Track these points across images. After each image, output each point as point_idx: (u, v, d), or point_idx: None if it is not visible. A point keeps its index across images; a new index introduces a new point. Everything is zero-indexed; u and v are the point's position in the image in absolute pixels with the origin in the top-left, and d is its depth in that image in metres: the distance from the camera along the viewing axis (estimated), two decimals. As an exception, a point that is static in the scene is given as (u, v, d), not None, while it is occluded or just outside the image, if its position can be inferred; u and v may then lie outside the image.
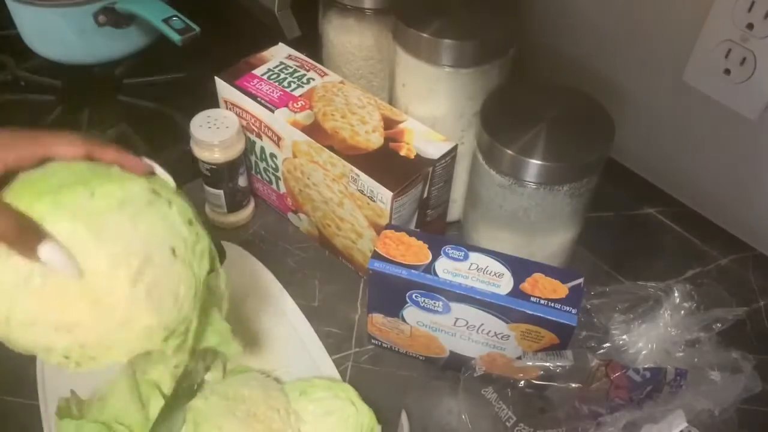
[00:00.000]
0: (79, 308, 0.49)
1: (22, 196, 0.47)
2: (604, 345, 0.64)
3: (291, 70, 0.79)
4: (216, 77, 0.78)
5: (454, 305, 0.63)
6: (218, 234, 0.81)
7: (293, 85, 0.77)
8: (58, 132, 0.53)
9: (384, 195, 0.67)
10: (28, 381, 0.66)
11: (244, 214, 0.83)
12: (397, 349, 0.71)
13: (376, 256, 0.64)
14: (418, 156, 0.70)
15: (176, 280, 0.52)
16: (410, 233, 0.65)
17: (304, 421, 0.63)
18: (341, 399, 0.65)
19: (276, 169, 0.78)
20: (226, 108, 0.79)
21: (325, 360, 0.70)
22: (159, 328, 0.52)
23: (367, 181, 0.68)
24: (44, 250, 0.46)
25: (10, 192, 0.48)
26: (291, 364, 0.69)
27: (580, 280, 0.62)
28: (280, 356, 0.70)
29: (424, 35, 0.69)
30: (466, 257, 0.63)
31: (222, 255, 0.73)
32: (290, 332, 0.72)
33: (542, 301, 0.60)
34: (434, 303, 0.63)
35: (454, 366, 0.67)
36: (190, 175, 0.83)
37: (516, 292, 0.61)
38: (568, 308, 0.60)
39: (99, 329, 0.50)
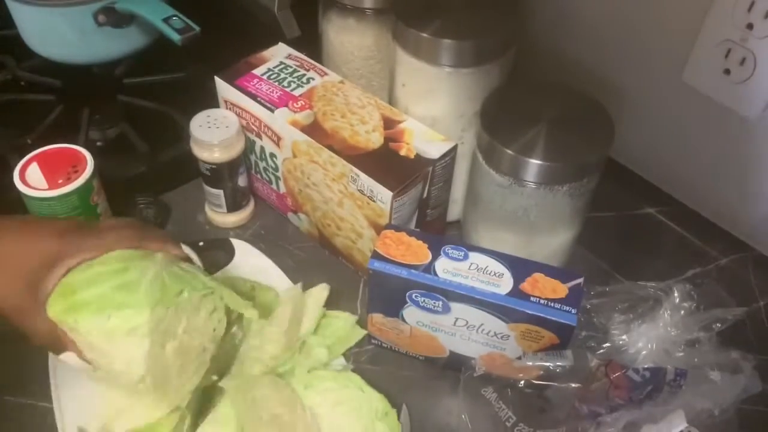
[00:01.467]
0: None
1: (62, 311, 0.57)
2: (604, 345, 0.64)
3: (291, 69, 0.79)
4: (216, 77, 0.78)
5: (454, 305, 0.63)
6: (219, 234, 0.82)
7: (293, 85, 0.77)
8: (115, 227, 0.62)
9: (384, 195, 0.67)
10: (30, 381, 0.67)
11: (244, 214, 0.83)
12: (397, 349, 0.71)
13: (376, 256, 0.64)
14: (418, 156, 0.70)
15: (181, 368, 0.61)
16: (410, 233, 0.65)
17: (316, 415, 0.63)
18: (350, 388, 0.64)
19: (276, 169, 0.78)
20: (226, 108, 0.79)
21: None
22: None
23: (366, 181, 0.68)
24: (63, 357, 0.59)
25: (55, 300, 0.57)
26: (297, 357, 0.69)
27: (580, 280, 0.62)
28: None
29: (424, 35, 0.69)
30: (465, 257, 0.63)
31: (231, 253, 0.75)
32: None
33: (542, 301, 0.60)
34: (434, 303, 0.63)
35: (454, 366, 0.67)
36: (190, 175, 0.83)
37: (516, 292, 0.61)
38: (567, 308, 0.60)
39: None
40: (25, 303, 0.57)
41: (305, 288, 0.73)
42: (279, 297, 0.71)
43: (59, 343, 0.58)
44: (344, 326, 0.71)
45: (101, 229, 0.61)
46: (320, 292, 0.72)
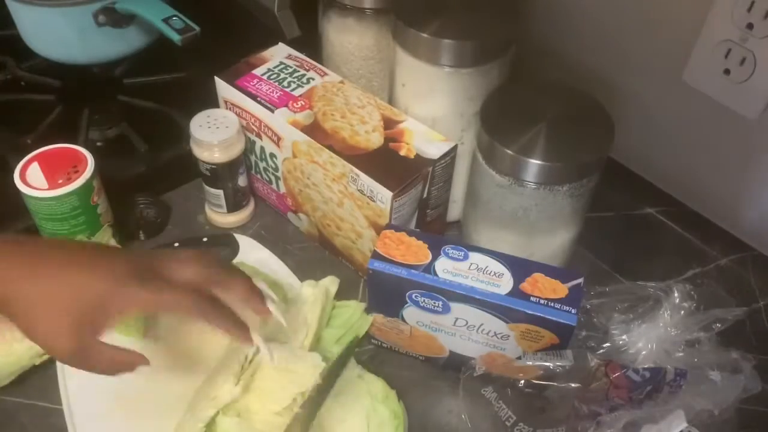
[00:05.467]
0: None
1: None
2: (604, 345, 0.64)
3: (291, 69, 0.79)
4: (216, 77, 0.78)
5: (453, 305, 0.63)
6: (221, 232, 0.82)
7: (293, 85, 0.77)
8: (178, 283, 0.57)
9: (384, 195, 0.67)
10: (31, 381, 0.67)
11: (244, 214, 0.83)
12: (397, 349, 0.71)
13: (376, 256, 0.64)
14: (418, 156, 0.70)
15: None
16: (410, 233, 0.65)
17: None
18: (349, 377, 0.65)
19: (276, 169, 0.78)
20: (226, 108, 0.79)
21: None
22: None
23: (366, 181, 0.68)
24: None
25: None
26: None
27: (580, 280, 0.62)
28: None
29: (424, 35, 0.69)
30: (465, 257, 0.63)
31: (236, 248, 0.76)
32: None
33: (542, 301, 0.60)
34: (434, 303, 0.63)
35: (454, 366, 0.67)
36: (190, 175, 0.83)
37: (516, 292, 0.61)
38: (567, 308, 0.60)
39: None
40: (71, 342, 0.53)
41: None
42: (301, 295, 0.72)
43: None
44: (354, 315, 0.71)
45: (162, 279, 0.56)
46: (331, 284, 0.73)
